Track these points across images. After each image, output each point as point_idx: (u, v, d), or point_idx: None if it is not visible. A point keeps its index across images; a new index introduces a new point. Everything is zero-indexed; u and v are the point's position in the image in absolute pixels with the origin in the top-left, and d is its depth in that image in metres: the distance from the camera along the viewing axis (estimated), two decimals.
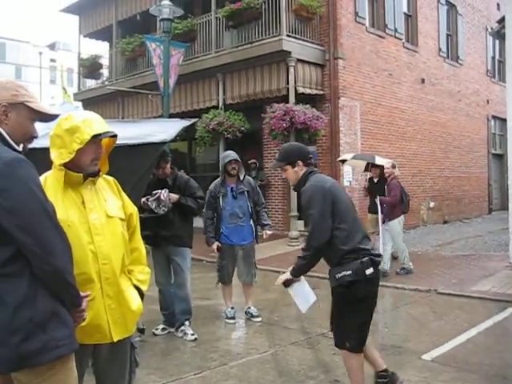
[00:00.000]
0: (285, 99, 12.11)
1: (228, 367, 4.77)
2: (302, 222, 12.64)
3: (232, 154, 6.20)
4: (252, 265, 6.36)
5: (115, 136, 2.60)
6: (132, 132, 4.56)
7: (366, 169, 10.62)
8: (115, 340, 2.49)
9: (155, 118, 13.82)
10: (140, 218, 2.86)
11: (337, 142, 13.00)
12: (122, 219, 2.60)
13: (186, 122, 5.20)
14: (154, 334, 5.70)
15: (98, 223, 2.46)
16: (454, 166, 18.15)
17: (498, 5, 20.31)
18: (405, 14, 15.96)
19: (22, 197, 1.96)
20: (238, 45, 13.41)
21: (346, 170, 12.90)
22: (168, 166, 5.54)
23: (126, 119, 14.85)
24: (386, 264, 8.95)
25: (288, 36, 12.30)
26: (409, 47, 15.88)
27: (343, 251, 3.55)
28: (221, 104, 13.75)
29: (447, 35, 18.10)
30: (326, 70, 13.18)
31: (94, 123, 2.45)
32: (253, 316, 6.33)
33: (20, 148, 2.16)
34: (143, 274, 2.72)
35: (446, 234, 14.41)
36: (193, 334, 5.57)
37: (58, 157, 2.42)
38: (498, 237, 12.88)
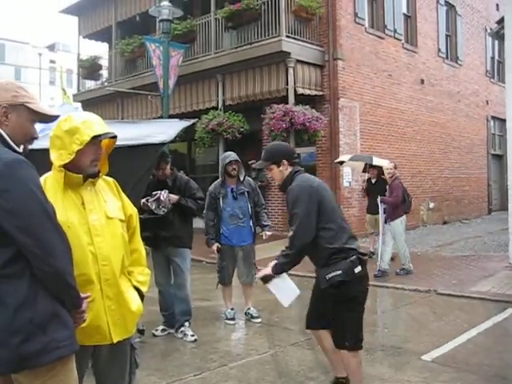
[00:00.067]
0: (284, 100, 12.12)
1: (228, 368, 4.76)
2: None
3: (232, 155, 6.20)
4: (252, 266, 6.36)
5: (115, 137, 2.60)
6: (131, 133, 4.55)
7: (365, 170, 10.65)
8: (115, 341, 2.49)
9: (155, 118, 13.82)
10: (140, 218, 2.85)
11: (336, 143, 13.01)
12: (121, 220, 2.60)
13: (185, 123, 5.20)
14: (154, 335, 5.69)
15: (98, 224, 2.46)
16: (454, 167, 18.17)
17: (498, 5, 20.34)
18: (404, 14, 15.98)
19: (22, 198, 1.96)
20: (238, 46, 13.42)
21: (346, 170, 12.92)
22: (168, 166, 5.54)
23: (125, 120, 14.85)
24: (386, 264, 8.96)
25: (287, 37, 12.31)
26: (408, 48, 15.90)
27: (330, 251, 3.56)
28: (220, 105, 13.76)
29: (446, 36, 18.13)
30: (325, 70, 13.19)
31: (93, 124, 2.45)
32: (253, 317, 6.33)
33: (20, 149, 2.17)
34: (143, 275, 2.72)
35: (445, 235, 14.42)
36: (193, 335, 5.57)
37: (57, 158, 2.42)
38: (498, 237, 12.89)
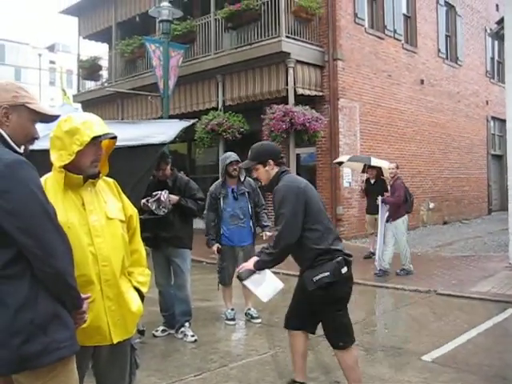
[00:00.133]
0: (284, 100, 12.13)
1: (228, 369, 4.76)
2: None
3: (233, 155, 6.20)
4: None
5: (115, 138, 2.60)
6: (131, 133, 4.55)
7: (364, 170, 10.66)
8: (115, 342, 2.49)
9: (155, 119, 13.82)
10: (140, 219, 2.86)
11: (336, 143, 13.02)
12: (122, 221, 2.60)
13: (185, 123, 5.20)
14: (154, 336, 5.69)
15: (98, 225, 2.46)
16: (454, 167, 18.17)
17: (497, 6, 20.35)
18: (404, 15, 15.98)
19: (23, 199, 1.96)
20: (238, 46, 13.42)
21: (346, 171, 12.92)
22: (168, 167, 5.54)
23: (125, 120, 14.85)
24: (387, 264, 8.98)
25: (287, 37, 12.31)
26: (408, 48, 15.91)
27: (316, 252, 3.56)
28: (220, 105, 13.76)
29: (446, 36, 18.13)
30: (325, 71, 13.20)
31: (93, 125, 2.46)
32: (253, 317, 6.33)
33: (21, 150, 2.17)
34: (143, 275, 2.72)
35: (445, 235, 14.42)
36: (193, 336, 5.57)
37: (57, 159, 2.42)
38: (498, 237, 12.89)
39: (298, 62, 12.45)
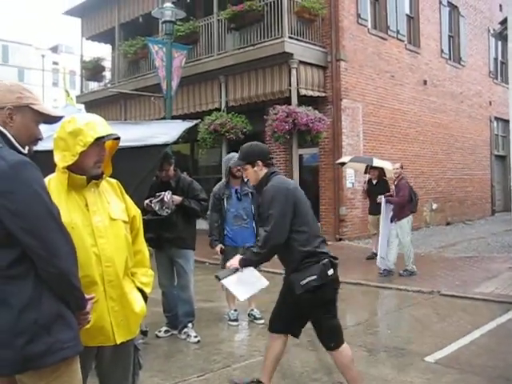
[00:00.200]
0: (287, 101, 12.13)
1: (231, 369, 4.76)
2: None
3: (237, 156, 6.20)
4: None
5: (118, 138, 2.60)
6: (134, 134, 4.55)
7: (366, 171, 10.66)
8: (118, 342, 2.49)
9: (157, 120, 13.84)
10: (143, 220, 2.86)
11: (339, 144, 13.01)
12: (125, 222, 2.61)
13: (188, 124, 5.19)
14: (157, 337, 5.69)
15: (102, 226, 2.46)
16: (457, 168, 18.14)
17: (501, 6, 20.30)
18: (407, 15, 15.97)
19: (27, 199, 1.96)
20: (240, 47, 13.43)
21: (349, 171, 12.92)
22: (171, 168, 5.55)
23: (128, 121, 14.87)
24: (392, 264, 9.00)
25: (290, 38, 12.32)
26: (411, 49, 15.89)
27: (302, 254, 3.57)
28: (223, 106, 13.77)
29: (449, 37, 18.11)
30: (328, 71, 13.19)
31: (97, 126, 2.46)
32: (256, 318, 6.33)
33: (25, 150, 2.17)
34: (146, 276, 2.72)
35: (448, 236, 14.40)
36: (196, 336, 5.57)
37: (61, 159, 2.42)
38: (501, 238, 12.87)
39: (301, 62, 12.45)
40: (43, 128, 2.27)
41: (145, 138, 4.59)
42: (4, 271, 1.96)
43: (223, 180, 6.31)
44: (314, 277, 3.51)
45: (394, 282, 8.57)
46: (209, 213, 6.17)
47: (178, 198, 5.44)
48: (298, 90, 12.23)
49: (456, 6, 18.30)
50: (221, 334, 6.05)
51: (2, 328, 1.94)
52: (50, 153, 2.47)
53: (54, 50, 57.99)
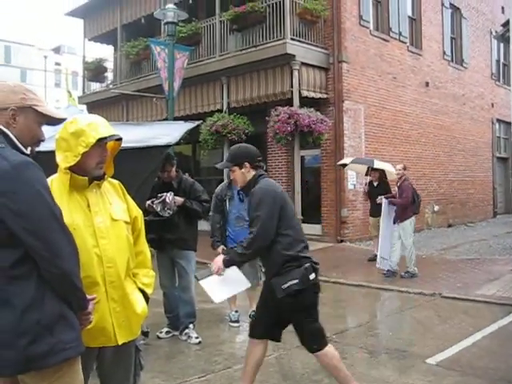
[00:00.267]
0: (289, 103, 12.12)
1: (232, 370, 4.76)
2: (306, 226, 12.64)
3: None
4: (257, 268, 6.35)
5: (120, 139, 2.61)
6: (136, 135, 4.56)
7: (367, 173, 10.66)
8: (120, 343, 2.49)
9: (160, 121, 13.85)
10: (145, 221, 2.86)
11: (341, 146, 13.00)
12: (126, 222, 2.61)
13: (190, 125, 5.20)
14: (159, 337, 5.70)
15: (103, 226, 2.47)
16: (459, 170, 18.12)
17: (503, 8, 20.30)
18: (409, 17, 15.96)
19: (29, 200, 1.97)
20: (243, 48, 13.43)
21: (350, 173, 12.90)
22: (173, 169, 5.55)
23: (130, 122, 14.89)
24: (395, 264, 9.02)
25: (292, 39, 12.31)
26: (413, 50, 15.88)
27: (285, 258, 3.57)
28: (225, 107, 13.77)
29: (451, 38, 18.10)
30: (330, 73, 13.19)
31: (99, 126, 2.46)
32: None
33: (28, 151, 2.18)
34: (148, 277, 2.73)
35: (450, 238, 14.38)
36: (197, 337, 5.57)
37: (63, 160, 2.43)
38: (503, 240, 12.85)
39: (303, 64, 12.45)
40: (45, 128, 2.28)
41: (147, 139, 4.59)
42: (7, 271, 1.96)
43: (225, 181, 6.32)
44: (296, 281, 3.52)
45: (395, 283, 8.57)
46: (211, 214, 6.17)
47: (179, 199, 5.44)
48: (299, 92, 12.23)
49: (458, 8, 18.30)
50: (222, 335, 6.05)
51: (5, 328, 1.94)
52: (51, 153, 2.48)
53: (57, 50, 58.12)
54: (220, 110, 13.76)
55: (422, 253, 11.46)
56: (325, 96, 13.09)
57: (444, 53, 17.40)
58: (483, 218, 19.23)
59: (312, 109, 11.99)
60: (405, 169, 9.27)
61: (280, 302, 3.58)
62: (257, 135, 13.31)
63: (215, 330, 6.14)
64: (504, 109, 19.59)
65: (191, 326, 5.68)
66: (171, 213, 5.34)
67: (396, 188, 9.37)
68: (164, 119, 13.06)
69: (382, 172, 10.31)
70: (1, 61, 53.84)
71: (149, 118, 16.23)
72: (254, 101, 13.21)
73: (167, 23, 11.13)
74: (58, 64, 54.43)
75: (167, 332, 5.79)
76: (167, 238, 5.48)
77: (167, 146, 4.71)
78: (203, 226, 6.51)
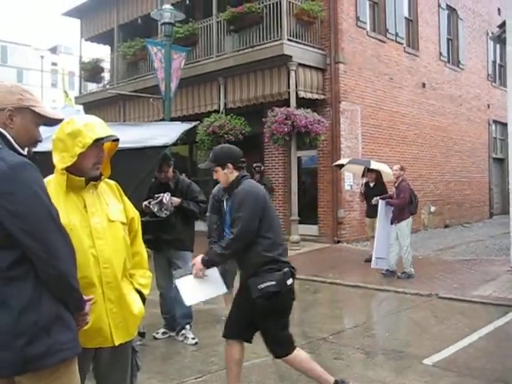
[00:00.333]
0: (286, 103, 12.13)
1: None
2: (303, 227, 12.68)
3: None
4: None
5: (117, 140, 2.60)
6: (133, 135, 4.56)
7: (363, 174, 10.67)
8: (117, 344, 2.49)
9: (156, 121, 13.83)
10: (141, 221, 2.86)
11: (338, 146, 13.02)
12: (123, 223, 2.60)
13: (187, 126, 5.20)
14: (155, 338, 5.69)
15: (100, 227, 2.46)
16: (455, 171, 18.16)
17: (499, 9, 20.34)
18: (406, 18, 16.00)
19: (26, 201, 1.96)
20: (239, 49, 13.44)
21: (347, 174, 12.92)
22: (170, 169, 5.55)
23: (127, 123, 14.86)
24: (394, 265, 9.04)
25: (289, 40, 12.33)
26: (410, 51, 15.91)
27: (264, 260, 3.56)
28: (222, 108, 13.77)
29: (448, 40, 18.14)
30: (326, 74, 13.21)
31: (96, 127, 2.46)
32: None
33: (25, 152, 2.17)
34: (145, 277, 2.72)
35: (447, 239, 14.40)
36: (193, 338, 5.57)
37: (60, 161, 2.42)
38: (500, 241, 12.87)
39: (300, 64, 12.47)
40: (42, 129, 2.27)
41: (144, 140, 4.59)
42: (4, 272, 1.96)
43: None
44: (273, 283, 3.51)
45: (392, 284, 8.58)
46: (208, 214, 6.16)
47: (176, 200, 5.44)
48: (296, 93, 12.24)
49: (455, 9, 18.34)
50: (218, 335, 5.98)
51: (2, 329, 1.94)
52: (48, 154, 2.47)
53: (53, 50, 57.99)
54: (217, 111, 13.76)
55: (419, 253, 11.48)
56: (322, 97, 13.11)
57: (440, 54, 17.44)
58: (480, 219, 19.28)
59: (309, 109, 12.01)
60: (402, 169, 9.28)
61: (254, 302, 3.57)
62: (254, 136, 13.32)
63: (212, 331, 6.13)
64: (500, 110, 19.63)
65: (188, 326, 5.67)
66: (168, 213, 5.34)
67: (393, 189, 9.38)
68: (161, 120, 13.05)
69: (378, 173, 10.32)
70: None
71: (145, 118, 16.22)
72: (251, 101, 13.22)
73: (164, 24, 11.14)
74: (54, 64, 54.31)
75: (164, 333, 5.78)
76: (164, 238, 5.47)
77: (164, 147, 4.71)
78: (200, 226, 6.51)
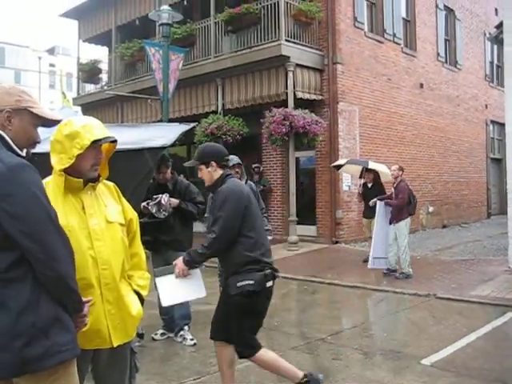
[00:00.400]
0: (284, 104, 12.14)
1: None
2: (301, 227, 12.69)
3: (235, 159, 6.19)
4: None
5: (115, 141, 2.60)
6: (131, 137, 4.56)
7: (361, 175, 10.67)
8: (115, 345, 2.49)
9: (154, 122, 13.83)
10: (140, 222, 2.86)
11: (336, 147, 13.03)
12: (121, 224, 2.60)
13: (185, 127, 5.20)
14: (154, 339, 5.69)
15: (98, 228, 2.46)
16: (453, 171, 18.19)
17: (496, 10, 20.39)
18: (403, 19, 16.02)
19: (25, 202, 1.96)
20: (237, 50, 13.44)
21: (345, 174, 12.92)
22: (169, 170, 5.56)
23: (125, 124, 14.86)
24: (394, 265, 9.06)
25: (287, 41, 12.33)
26: (407, 52, 15.93)
27: (246, 259, 3.56)
28: (220, 109, 13.77)
29: (445, 40, 18.17)
30: (324, 74, 13.21)
31: (93, 128, 2.46)
32: None
33: (23, 153, 2.17)
34: (143, 279, 2.72)
35: (445, 239, 14.42)
36: (192, 339, 5.57)
37: (58, 162, 2.42)
38: (497, 241, 12.89)
39: (298, 65, 12.47)
40: (40, 130, 2.27)
41: (142, 141, 4.59)
42: (2, 274, 1.96)
43: None
44: (251, 281, 3.51)
45: (390, 284, 8.59)
46: (206, 215, 6.16)
47: (175, 201, 5.44)
48: (294, 93, 12.25)
49: (452, 10, 18.37)
50: None
51: (0, 331, 1.94)
52: (47, 155, 2.47)
53: (51, 51, 57.97)
54: (215, 112, 13.76)
55: (417, 254, 11.50)
56: (319, 97, 13.11)
57: (438, 54, 17.46)
58: (477, 219, 19.31)
59: (307, 110, 12.01)
60: (401, 170, 9.30)
61: (231, 298, 3.58)
62: (252, 136, 13.32)
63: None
64: (498, 110, 19.67)
65: (186, 327, 5.67)
66: (166, 214, 5.34)
67: (392, 189, 9.39)
68: (159, 121, 13.04)
69: (376, 173, 10.33)
70: None
71: (143, 119, 16.21)
72: (249, 102, 13.22)
73: (162, 24, 11.13)
74: (52, 65, 54.28)
75: (162, 334, 5.78)
76: (162, 239, 5.48)
77: (162, 148, 4.71)
78: (198, 227, 6.51)
